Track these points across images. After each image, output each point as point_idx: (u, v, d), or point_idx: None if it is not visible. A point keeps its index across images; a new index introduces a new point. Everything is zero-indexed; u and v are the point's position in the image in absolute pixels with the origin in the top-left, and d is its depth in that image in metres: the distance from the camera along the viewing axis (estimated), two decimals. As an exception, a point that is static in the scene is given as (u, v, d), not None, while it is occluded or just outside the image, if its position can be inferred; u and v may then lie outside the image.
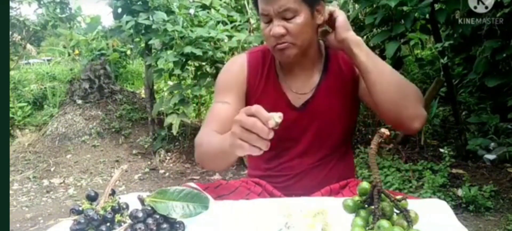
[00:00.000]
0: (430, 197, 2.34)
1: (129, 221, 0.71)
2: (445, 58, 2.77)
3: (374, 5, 2.80)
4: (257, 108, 0.78)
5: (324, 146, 1.16)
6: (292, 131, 1.15)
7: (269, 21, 1.05)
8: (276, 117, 0.76)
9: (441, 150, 2.91)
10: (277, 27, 1.03)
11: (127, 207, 0.76)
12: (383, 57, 3.21)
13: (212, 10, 3.67)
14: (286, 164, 1.19)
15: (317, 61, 1.15)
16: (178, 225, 0.73)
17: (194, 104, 4.10)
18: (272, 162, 1.20)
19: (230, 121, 1.06)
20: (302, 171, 1.17)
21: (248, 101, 1.16)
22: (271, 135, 0.76)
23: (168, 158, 3.84)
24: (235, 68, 1.18)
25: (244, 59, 1.18)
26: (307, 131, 1.15)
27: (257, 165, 1.24)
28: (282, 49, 1.05)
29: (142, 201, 0.73)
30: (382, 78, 0.99)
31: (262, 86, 1.16)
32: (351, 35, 1.01)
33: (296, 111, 1.14)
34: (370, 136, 3.47)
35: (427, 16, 2.82)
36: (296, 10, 1.02)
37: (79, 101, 4.54)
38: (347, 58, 1.09)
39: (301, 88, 1.14)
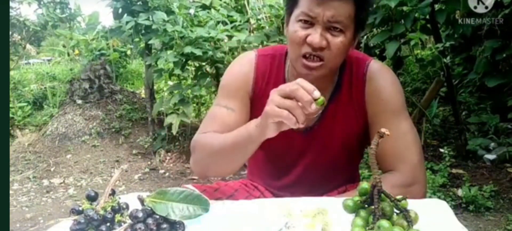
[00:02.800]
0: (430, 197, 2.34)
1: (129, 221, 0.71)
2: (448, 58, 2.77)
3: (374, 5, 2.79)
4: (301, 80, 0.77)
5: (326, 171, 1.10)
6: (290, 155, 1.09)
7: (309, 26, 0.91)
8: (321, 98, 0.76)
9: (441, 150, 2.91)
10: (320, 37, 0.89)
11: (127, 207, 0.76)
12: (383, 57, 3.21)
13: (212, 10, 3.66)
14: (287, 188, 1.13)
15: (329, 84, 1.03)
16: (178, 225, 0.73)
17: (194, 104, 4.10)
18: (271, 180, 1.16)
19: (236, 128, 1.01)
20: (302, 192, 1.10)
21: (252, 108, 1.08)
22: (313, 107, 0.75)
23: (168, 158, 3.83)
24: (242, 71, 1.07)
25: (252, 61, 1.07)
26: (307, 156, 1.08)
27: (258, 176, 1.21)
28: (311, 65, 0.92)
29: (142, 201, 0.73)
30: None
31: (268, 97, 1.06)
32: None
33: (299, 134, 1.05)
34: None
35: (427, 16, 2.82)
36: (346, 26, 0.90)
37: (79, 101, 4.54)
38: (361, 86, 1.01)
39: None
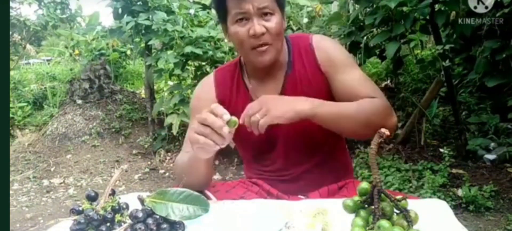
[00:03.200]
0: (430, 197, 2.34)
1: (129, 221, 0.72)
2: (447, 60, 2.77)
3: (374, 5, 2.79)
4: (215, 105, 0.86)
5: (307, 147, 1.14)
6: (268, 138, 1.12)
7: (246, 22, 1.03)
8: (233, 119, 0.83)
9: (441, 150, 2.91)
10: (258, 26, 1.01)
11: (127, 207, 0.76)
12: (383, 58, 3.21)
13: (212, 10, 3.66)
14: (275, 169, 1.17)
15: (282, 67, 1.13)
16: (178, 225, 0.73)
17: (194, 105, 4.10)
18: (262, 167, 1.20)
19: None
20: (295, 175, 1.15)
21: None
22: (225, 130, 0.83)
23: (168, 158, 3.84)
24: (204, 90, 1.19)
25: (211, 79, 1.19)
26: (284, 136, 1.13)
27: (252, 170, 1.24)
28: (262, 51, 1.04)
29: (142, 201, 0.74)
30: (345, 127, 1.02)
31: (233, 101, 1.15)
32: (299, 114, 0.96)
33: None
34: (370, 136, 3.46)
35: (427, 16, 2.81)
36: (273, 9, 1.03)
37: (79, 101, 4.54)
38: (312, 56, 1.11)
39: (269, 93, 1.11)
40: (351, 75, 1.07)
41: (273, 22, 1.03)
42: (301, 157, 1.15)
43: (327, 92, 1.11)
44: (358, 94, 1.05)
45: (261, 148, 1.17)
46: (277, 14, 1.04)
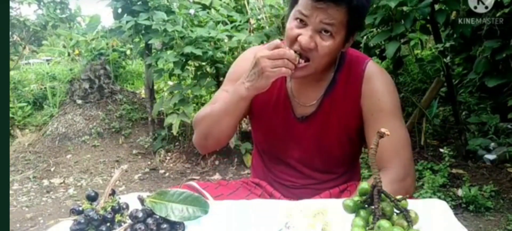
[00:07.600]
0: (430, 197, 2.34)
1: (129, 221, 0.72)
2: (448, 58, 2.77)
3: (374, 5, 2.80)
4: (278, 43, 0.94)
5: (323, 162, 1.13)
6: (290, 142, 1.12)
7: (303, 26, 0.96)
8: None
9: (441, 150, 2.90)
10: (308, 39, 0.94)
11: (127, 207, 0.76)
12: (383, 57, 3.21)
13: (212, 10, 3.66)
14: (286, 175, 1.16)
15: (324, 80, 1.08)
16: (178, 225, 0.73)
17: (194, 104, 4.10)
18: (273, 172, 1.18)
19: None
20: (303, 184, 1.14)
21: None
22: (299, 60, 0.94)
23: (168, 158, 3.83)
24: (247, 61, 1.10)
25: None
26: (306, 145, 1.11)
27: (260, 173, 1.23)
28: (298, 66, 0.97)
29: (142, 201, 0.74)
30: None
31: (269, 87, 1.10)
32: None
33: (297, 122, 1.10)
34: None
35: (427, 16, 2.81)
36: (336, 31, 0.94)
37: (79, 101, 4.53)
38: (358, 84, 1.04)
39: (306, 99, 1.09)
40: (387, 128, 0.91)
41: (327, 42, 0.94)
42: (316, 171, 1.13)
43: (359, 128, 1.07)
44: (382, 154, 0.95)
45: (283, 145, 1.14)
46: (337, 37, 0.95)
